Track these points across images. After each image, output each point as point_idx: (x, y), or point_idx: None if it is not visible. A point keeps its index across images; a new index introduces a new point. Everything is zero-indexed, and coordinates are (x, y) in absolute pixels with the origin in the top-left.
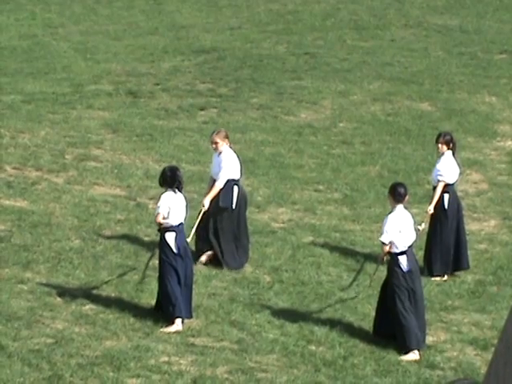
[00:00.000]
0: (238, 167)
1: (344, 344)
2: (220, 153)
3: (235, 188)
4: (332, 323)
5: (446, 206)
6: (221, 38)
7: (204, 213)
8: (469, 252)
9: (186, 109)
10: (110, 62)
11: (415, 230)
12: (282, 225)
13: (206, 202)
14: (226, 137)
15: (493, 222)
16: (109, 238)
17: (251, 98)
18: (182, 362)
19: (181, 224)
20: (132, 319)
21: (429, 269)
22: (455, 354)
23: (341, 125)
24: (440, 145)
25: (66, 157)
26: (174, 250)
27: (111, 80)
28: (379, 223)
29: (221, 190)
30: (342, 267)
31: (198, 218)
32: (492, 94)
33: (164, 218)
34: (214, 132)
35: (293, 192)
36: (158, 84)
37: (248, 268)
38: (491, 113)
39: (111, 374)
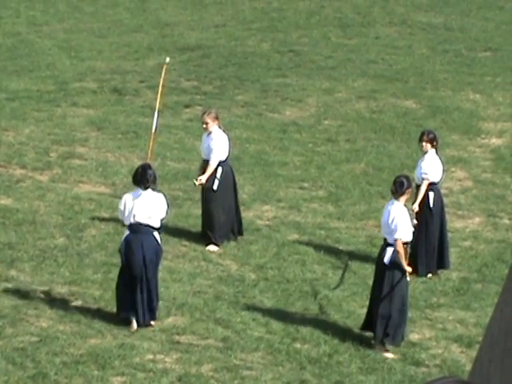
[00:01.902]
0: (227, 148)
1: (329, 342)
2: (210, 133)
3: (219, 169)
4: (317, 321)
5: (432, 205)
6: (205, 35)
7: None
8: (453, 249)
9: (170, 106)
10: (94, 60)
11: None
12: (266, 222)
13: (203, 177)
14: (217, 117)
15: (477, 220)
16: (93, 235)
17: (236, 95)
18: (166, 360)
19: (137, 224)
20: (117, 317)
21: (414, 267)
22: (440, 351)
23: (325, 122)
24: (424, 143)
25: (51, 155)
26: (122, 249)
27: (96, 78)
28: (364, 220)
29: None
30: (327, 265)
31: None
32: (476, 91)
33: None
34: (204, 112)
35: (278, 189)
36: (142, 81)
37: (233, 266)
38: (475, 110)
39: (96, 372)
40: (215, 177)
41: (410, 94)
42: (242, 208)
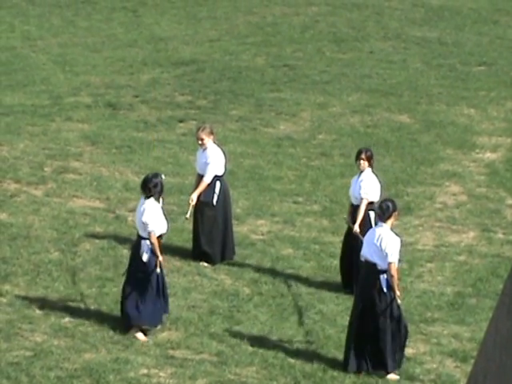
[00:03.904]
0: (223, 163)
1: (323, 356)
2: (205, 149)
3: (217, 183)
4: (311, 335)
5: (374, 225)
6: (200, 50)
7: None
8: (448, 264)
9: (165, 121)
10: (88, 75)
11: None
12: (261, 237)
13: (194, 196)
14: (212, 133)
15: (472, 234)
16: (88, 250)
17: (230, 110)
18: (161, 374)
19: (137, 230)
20: (111, 332)
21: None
22: (435, 366)
23: (320, 137)
24: (362, 161)
25: (45, 169)
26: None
27: (90, 92)
28: None
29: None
30: (321, 279)
31: (187, 211)
32: (471, 105)
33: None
34: (199, 128)
35: (272, 204)
36: (137, 96)
37: (227, 280)
38: (470, 125)
39: None
40: (214, 192)
41: (404, 108)
42: (236, 222)
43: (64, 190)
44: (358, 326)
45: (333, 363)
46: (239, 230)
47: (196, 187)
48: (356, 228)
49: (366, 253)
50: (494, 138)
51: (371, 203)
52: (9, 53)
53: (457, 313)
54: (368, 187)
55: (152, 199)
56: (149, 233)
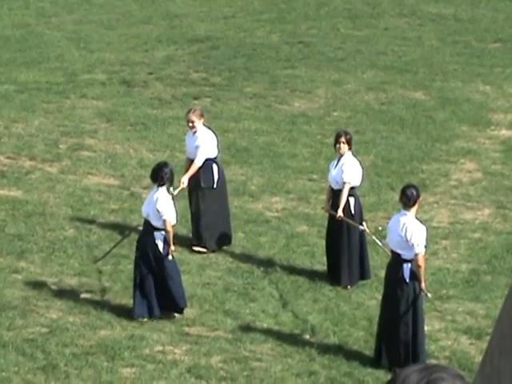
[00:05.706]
0: (215, 145)
1: (338, 333)
2: (195, 132)
3: (214, 166)
4: (326, 312)
5: (353, 211)
6: (214, 27)
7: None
8: (463, 241)
9: (179, 98)
10: (103, 52)
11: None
12: (275, 214)
13: (185, 179)
14: (202, 115)
15: (487, 211)
16: (103, 227)
17: (245, 87)
18: (176, 351)
19: (145, 219)
20: (126, 309)
21: (336, 278)
22: (449, 343)
23: (334, 114)
24: (342, 145)
25: (60, 146)
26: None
27: (105, 69)
28: (373, 212)
29: (199, 169)
30: None
31: (176, 190)
32: (486, 82)
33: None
34: (189, 111)
35: (287, 181)
36: (151, 73)
37: (242, 257)
38: (485, 101)
39: (106, 363)
40: (212, 175)
41: (419, 85)
42: (250, 199)
43: (79, 167)
44: (385, 318)
45: (347, 340)
46: (254, 207)
47: (187, 170)
48: (340, 213)
49: (390, 242)
50: (510, 114)
51: (352, 188)
52: (23, 30)
53: (472, 290)
54: (351, 171)
55: (164, 188)
56: (164, 221)
